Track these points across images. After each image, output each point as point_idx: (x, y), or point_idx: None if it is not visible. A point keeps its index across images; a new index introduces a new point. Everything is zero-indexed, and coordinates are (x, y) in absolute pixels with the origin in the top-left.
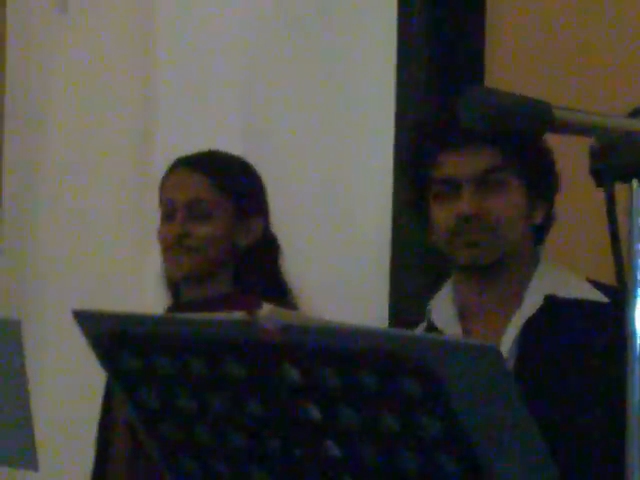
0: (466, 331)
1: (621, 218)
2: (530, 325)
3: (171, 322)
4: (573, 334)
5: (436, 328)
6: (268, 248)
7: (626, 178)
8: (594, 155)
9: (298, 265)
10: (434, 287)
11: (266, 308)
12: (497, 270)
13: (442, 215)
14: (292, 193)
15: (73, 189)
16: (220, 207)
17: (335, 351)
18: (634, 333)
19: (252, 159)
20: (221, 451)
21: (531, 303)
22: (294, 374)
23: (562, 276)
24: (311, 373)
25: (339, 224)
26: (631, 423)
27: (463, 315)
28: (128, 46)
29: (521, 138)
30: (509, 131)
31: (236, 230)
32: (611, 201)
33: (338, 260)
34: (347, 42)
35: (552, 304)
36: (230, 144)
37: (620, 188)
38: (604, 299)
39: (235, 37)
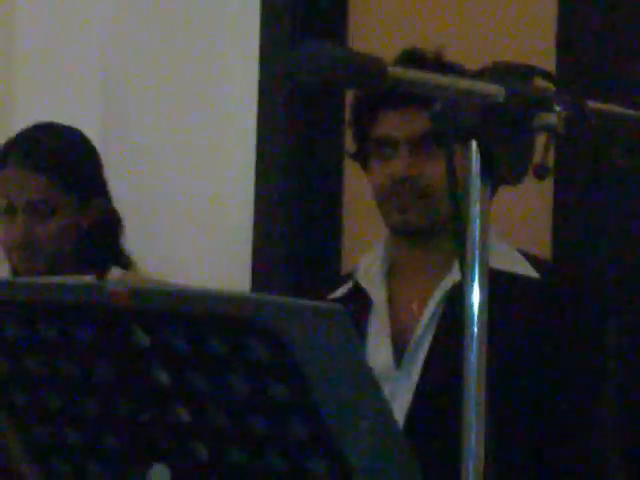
0: (391, 292)
1: None
2: (456, 292)
3: (19, 287)
4: (497, 307)
5: (361, 288)
6: (109, 223)
7: (465, 139)
8: (435, 116)
9: (158, 239)
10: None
11: (115, 272)
12: (429, 235)
13: (377, 175)
14: (151, 169)
15: None
16: (62, 203)
17: (183, 315)
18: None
19: (111, 131)
20: (71, 417)
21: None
22: (143, 338)
23: (494, 245)
24: (160, 337)
25: (199, 195)
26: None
27: (392, 276)
28: None
29: None
30: (339, 84)
31: (79, 216)
32: (451, 163)
33: (198, 230)
34: (209, 6)
35: None
36: (89, 118)
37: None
38: (534, 274)
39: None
